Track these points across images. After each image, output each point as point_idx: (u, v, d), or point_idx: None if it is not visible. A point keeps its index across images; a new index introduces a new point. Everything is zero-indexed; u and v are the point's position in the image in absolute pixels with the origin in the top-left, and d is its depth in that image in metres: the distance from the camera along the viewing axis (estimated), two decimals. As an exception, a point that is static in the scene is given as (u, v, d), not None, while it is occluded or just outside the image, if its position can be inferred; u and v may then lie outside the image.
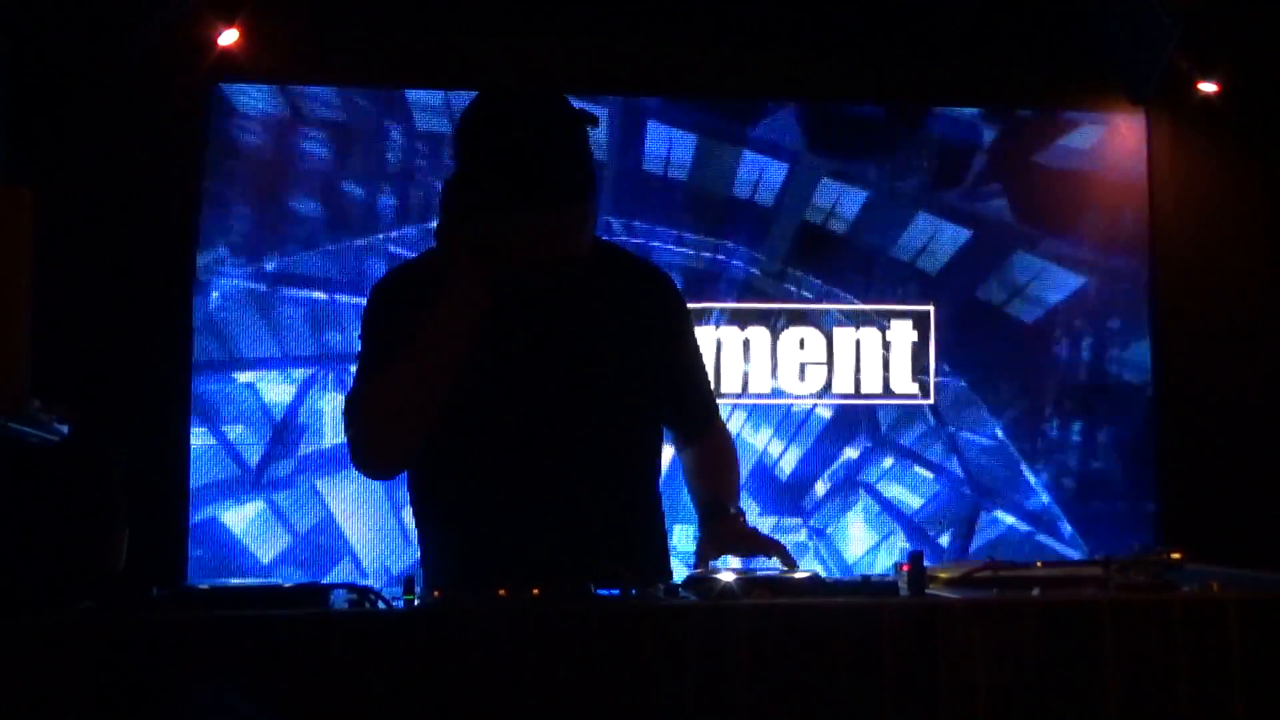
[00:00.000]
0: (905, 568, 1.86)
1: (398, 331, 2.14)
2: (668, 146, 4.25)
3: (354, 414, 2.18)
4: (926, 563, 1.88)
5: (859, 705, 1.72)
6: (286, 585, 1.84)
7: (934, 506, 4.32)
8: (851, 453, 4.29)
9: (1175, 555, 2.01)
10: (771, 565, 2.19)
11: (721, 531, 2.30)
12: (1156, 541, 4.22)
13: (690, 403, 2.43)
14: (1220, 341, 4.35)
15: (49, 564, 1.79)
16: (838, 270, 4.33)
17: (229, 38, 3.93)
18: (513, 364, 2.20)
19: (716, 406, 2.51)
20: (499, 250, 2.10)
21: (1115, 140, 4.46)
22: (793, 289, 4.30)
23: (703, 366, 2.46)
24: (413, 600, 1.81)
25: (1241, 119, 4.35)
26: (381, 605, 1.77)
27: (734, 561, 2.33)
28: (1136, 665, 1.77)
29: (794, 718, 1.71)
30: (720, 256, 4.26)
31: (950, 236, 4.38)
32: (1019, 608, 1.79)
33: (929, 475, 4.32)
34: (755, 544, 2.29)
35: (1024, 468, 4.35)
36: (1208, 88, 4.32)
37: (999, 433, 4.36)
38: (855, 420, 4.30)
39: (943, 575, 2.01)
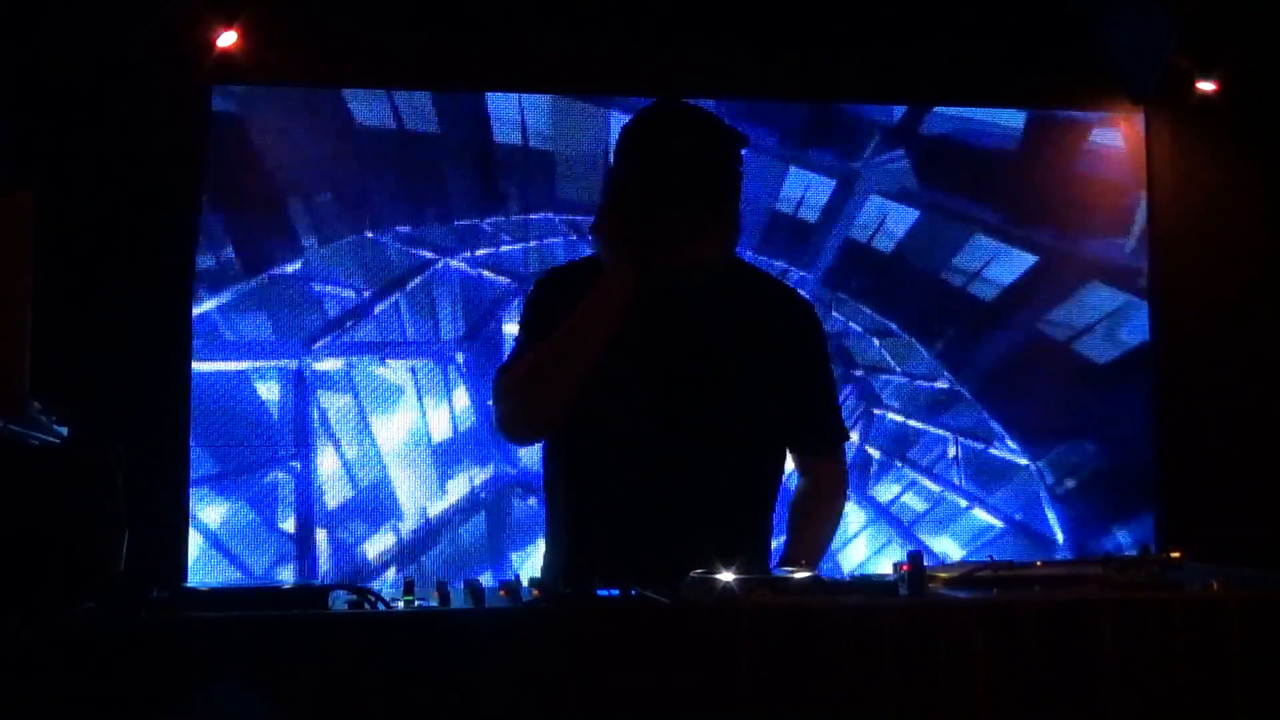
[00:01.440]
0: (905, 568, 1.86)
1: (552, 316, 2.34)
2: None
3: (501, 382, 2.40)
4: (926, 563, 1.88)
5: (859, 705, 1.72)
6: (286, 587, 1.84)
7: (931, 507, 4.32)
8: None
9: (1175, 555, 2.01)
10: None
11: None
12: (1156, 541, 4.22)
13: (810, 426, 2.50)
14: (1220, 341, 4.35)
15: (49, 566, 1.79)
16: (837, 271, 4.34)
17: (227, 39, 3.93)
18: (644, 368, 2.36)
19: (840, 437, 2.56)
20: (647, 243, 2.28)
21: (1115, 140, 4.46)
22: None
23: (833, 393, 2.55)
24: (412, 602, 1.82)
25: (1241, 118, 4.34)
26: (381, 607, 1.77)
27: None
28: (1137, 665, 1.77)
29: (794, 718, 1.71)
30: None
31: (948, 237, 4.38)
32: (1019, 608, 1.79)
33: (927, 481, 4.32)
34: None
35: (1023, 467, 4.35)
36: (1207, 87, 4.32)
37: (998, 433, 4.35)
38: (851, 423, 4.30)
39: (942, 575, 2.01)
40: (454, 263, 4.15)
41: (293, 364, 4.07)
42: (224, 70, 3.96)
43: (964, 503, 4.33)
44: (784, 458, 2.52)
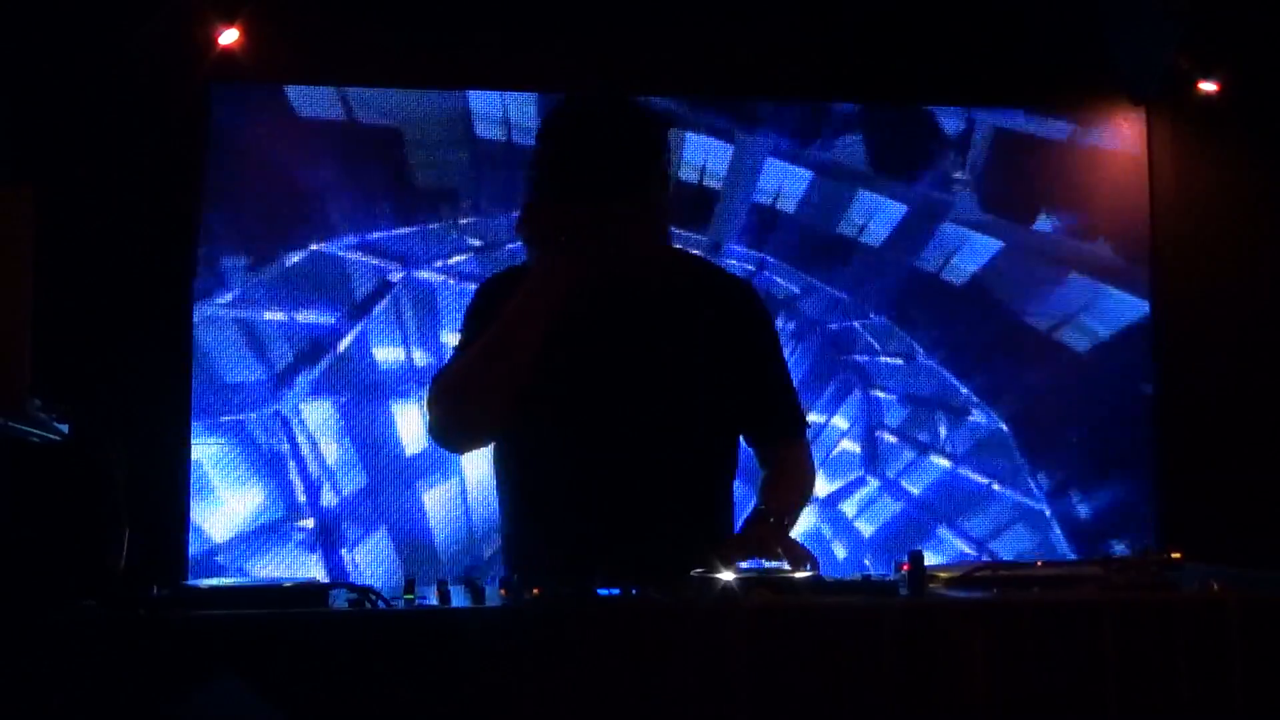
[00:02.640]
0: (906, 567, 1.86)
1: (489, 321, 2.27)
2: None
3: (433, 389, 2.31)
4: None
5: (859, 705, 1.72)
6: (287, 584, 1.84)
7: (933, 504, 4.32)
8: (854, 447, 4.29)
9: (1175, 555, 2.01)
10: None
11: (753, 533, 2.27)
12: (1156, 541, 4.23)
13: (767, 414, 2.44)
14: (1221, 341, 4.35)
15: (49, 564, 1.79)
16: (852, 278, 4.34)
17: (229, 37, 3.93)
18: (596, 364, 2.30)
19: (800, 423, 2.49)
20: (575, 238, 2.21)
21: (1116, 140, 4.46)
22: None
23: (786, 380, 2.48)
24: (413, 600, 1.81)
25: (1242, 119, 4.35)
26: (381, 605, 1.77)
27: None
28: (1136, 665, 1.77)
29: (794, 718, 1.71)
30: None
31: (952, 237, 4.38)
32: (1019, 608, 1.79)
33: (928, 477, 4.32)
34: (785, 550, 2.20)
35: (1023, 468, 4.35)
36: (1208, 87, 4.32)
37: (1000, 432, 4.35)
38: (856, 419, 4.30)
39: (943, 575, 2.01)
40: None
41: (294, 359, 4.06)
42: (225, 68, 3.96)
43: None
44: (736, 449, 2.43)
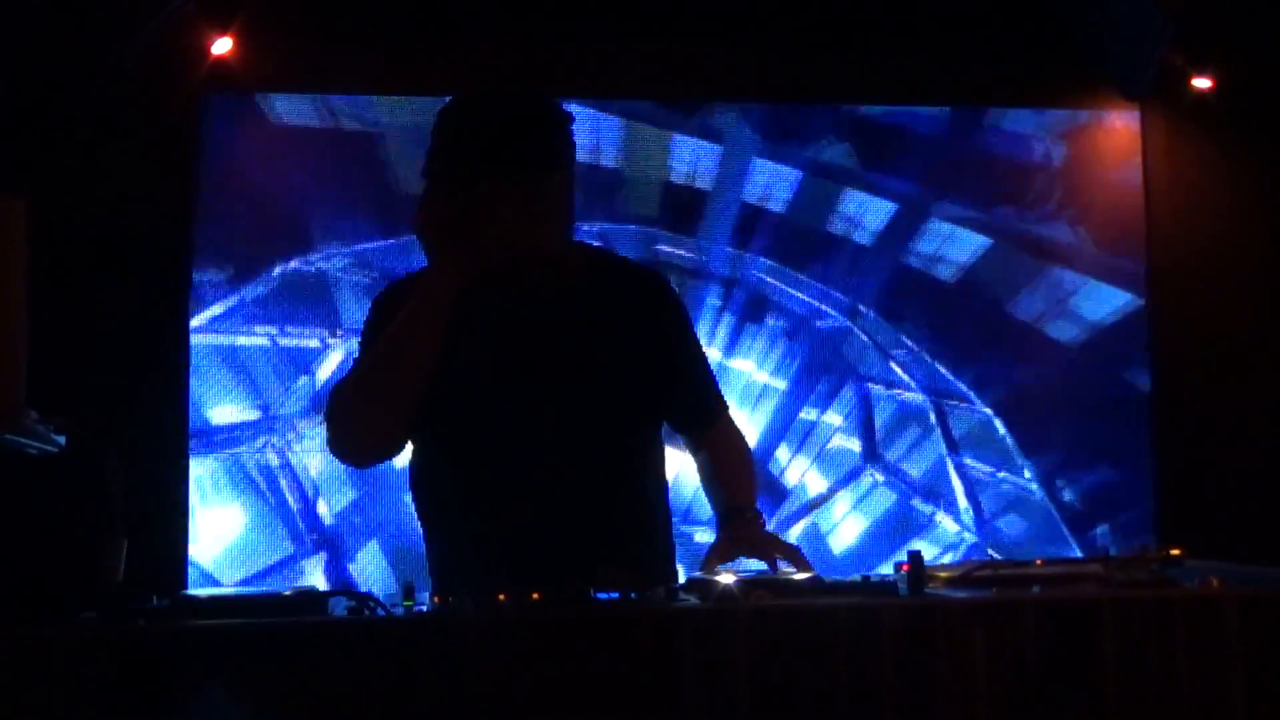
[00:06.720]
0: (905, 567, 1.86)
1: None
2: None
3: (329, 401, 2.23)
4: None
5: (859, 706, 1.72)
6: (286, 593, 1.84)
7: (929, 506, 4.32)
8: (849, 446, 4.29)
9: (1175, 552, 2.01)
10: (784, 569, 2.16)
11: (740, 535, 2.26)
12: (1156, 539, 4.23)
13: (691, 402, 2.42)
14: (1218, 338, 4.35)
15: (48, 575, 1.79)
16: (844, 278, 4.34)
17: (222, 47, 3.93)
18: (507, 369, 2.23)
19: (723, 404, 2.48)
20: (468, 228, 2.11)
21: (1109, 138, 4.46)
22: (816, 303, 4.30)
23: (704, 365, 2.45)
24: (412, 606, 1.81)
25: (1236, 115, 4.35)
26: (381, 612, 1.77)
27: (749, 564, 2.30)
28: (1137, 663, 1.77)
29: (794, 719, 1.71)
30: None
31: (949, 238, 4.38)
32: (1019, 606, 1.79)
33: (924, 477, 4.32)
34: (774, 548, 2.23)
35: (1022, 466, 4.35)
36: (1202, 84, 4.32)
37: (998, 433, 4.36)
38: (856, 420, 4.30)
39: (942, 575, 2.01)
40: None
41: (291, 369, 4.06)
42: (219, 78, 3.96)
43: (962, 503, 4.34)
44: (660, 443, 2.40)
